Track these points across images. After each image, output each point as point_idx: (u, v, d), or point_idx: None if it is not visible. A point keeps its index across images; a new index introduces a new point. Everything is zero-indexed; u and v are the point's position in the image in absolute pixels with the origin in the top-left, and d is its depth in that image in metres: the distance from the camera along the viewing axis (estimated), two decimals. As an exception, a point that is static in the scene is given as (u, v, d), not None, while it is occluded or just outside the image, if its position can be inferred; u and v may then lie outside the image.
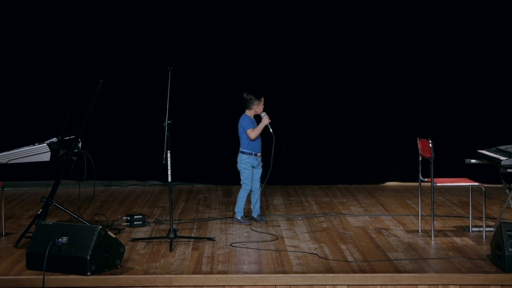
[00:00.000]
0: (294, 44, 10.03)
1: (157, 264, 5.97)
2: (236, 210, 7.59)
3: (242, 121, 7.49)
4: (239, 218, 7.55)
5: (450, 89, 10.03)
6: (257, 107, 7.49)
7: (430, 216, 7.07)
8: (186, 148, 9.88)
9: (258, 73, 9.95)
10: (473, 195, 7.06)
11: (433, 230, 6.86)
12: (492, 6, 9.87)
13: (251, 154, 7.48)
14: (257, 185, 7.59)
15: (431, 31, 9.96)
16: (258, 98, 7.49)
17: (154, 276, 5.66)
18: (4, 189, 9.70)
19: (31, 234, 6.21)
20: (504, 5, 9.85)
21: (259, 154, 7.53)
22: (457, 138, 9.97)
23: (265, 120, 7.40)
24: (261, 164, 7.61)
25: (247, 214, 7.68)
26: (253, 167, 7.53)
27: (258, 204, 7.62)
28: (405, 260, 6.05)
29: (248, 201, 7.64)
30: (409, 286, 5.63)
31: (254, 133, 7.42)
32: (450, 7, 9.90)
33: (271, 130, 7.35)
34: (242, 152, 7.51)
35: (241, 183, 7.56)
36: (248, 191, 7.56)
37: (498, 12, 9.87)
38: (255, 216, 7.61)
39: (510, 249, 5.64)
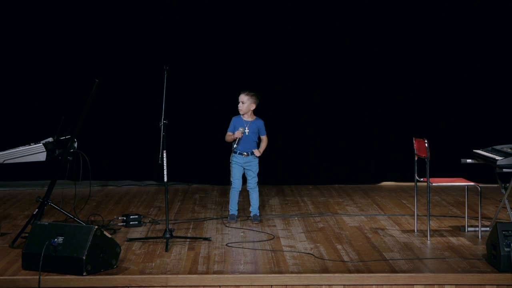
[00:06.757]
0: (290, 43, 10.02)
1: (153, 264, 5.96)
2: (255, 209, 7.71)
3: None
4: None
5: (446, 89, 10.03)
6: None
7: (426, 216, 7.08)
8: (182, 148, 9.87)
9: (255, 73, 9.94)
10: (469, 195, 7.06)
11: (429, 230, 6.86)
12: (488, 5, 9.87)
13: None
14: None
15: (427, 31, 9.96)
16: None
17: (150, 276, 5.66)
18: (0, 189, 9.78)
19: (26, 234, 6.20)
20: (500, 5, 9.85)
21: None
22: (453, 138, 9.97)
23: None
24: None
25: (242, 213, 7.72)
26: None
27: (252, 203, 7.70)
28: (401, 260, 6.05)
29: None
30: (405, 286, 5.64)
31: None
32: (446, 7, 9.90)
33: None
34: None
35: (256, 183, 7.62)
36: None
37: (496, 13, 9.87)
38: (251, 215, 7.67)
39: (505, 249, 5.65)
